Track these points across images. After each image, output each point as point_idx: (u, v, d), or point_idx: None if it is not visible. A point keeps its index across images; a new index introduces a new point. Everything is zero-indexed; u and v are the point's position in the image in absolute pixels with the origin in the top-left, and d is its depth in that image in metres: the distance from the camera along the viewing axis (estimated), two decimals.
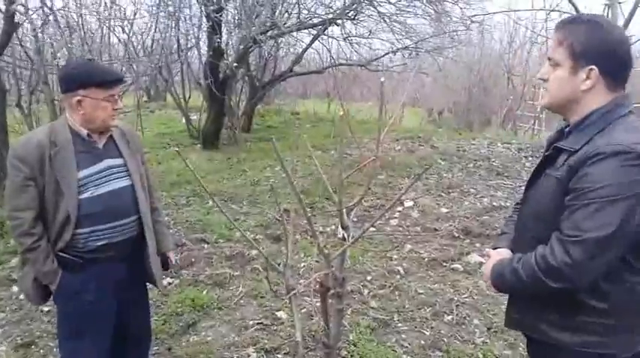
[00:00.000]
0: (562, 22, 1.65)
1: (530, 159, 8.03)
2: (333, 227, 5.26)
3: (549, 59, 1.63)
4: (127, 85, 12.00)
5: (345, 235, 2.32)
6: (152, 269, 2.47)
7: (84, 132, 2.23)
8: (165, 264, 2.70)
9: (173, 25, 9.95)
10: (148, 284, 2.61)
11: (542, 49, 13.76)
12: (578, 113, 1.60)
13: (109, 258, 2.30)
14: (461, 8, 9.04)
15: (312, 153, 2.62)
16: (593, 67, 1.54)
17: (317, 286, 2.38)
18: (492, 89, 16.56)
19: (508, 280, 1.64)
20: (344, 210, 2.26)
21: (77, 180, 2.17)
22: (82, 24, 9.67)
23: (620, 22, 7.23)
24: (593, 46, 1.54)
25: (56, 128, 2.23)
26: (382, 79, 2.44)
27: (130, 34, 9.61)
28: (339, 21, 8.68)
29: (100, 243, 2.25)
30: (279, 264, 4.55)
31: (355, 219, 2.29)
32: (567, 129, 1.65)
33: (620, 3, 7.43)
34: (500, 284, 1.71)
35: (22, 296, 3.76)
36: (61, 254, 2.22)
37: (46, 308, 3.70)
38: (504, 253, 1.79)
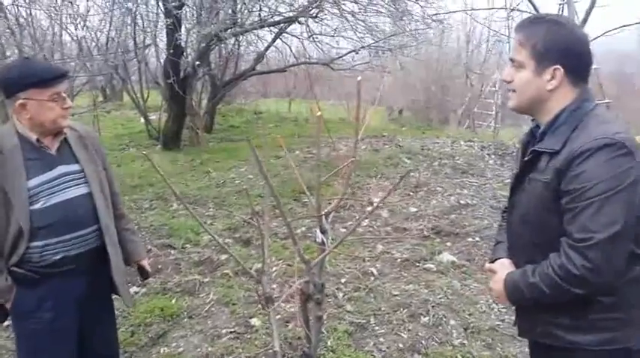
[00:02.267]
0: (522, 22, 1.65)
1: (492, 156, 8.15)
2: (304, 229, 5.17)
3: (512, 61, 1.63)
4: (82, 84, 11.65)
5: (324, 239, 2.24)
6: (117, 282, 2.30)
7: (33, 137, 2.05)
8: (144, 273, 2.55)
9: (129, 22, 9.67)
10: (113, 295, 2.43)
11: (502, 47, 14.07)
12: (547, 112, 1.61)
13: (68, 272, 2.12)
14: (421, 7, 9.12)
15: (286, 153, 2.51)
16: (558, 66, 1.54)
17: (297, 294, 2.30)
18: (450, 87, 16.82)
19: (527, 295, 1.61)
20: (322, 214, 2.19)
21: (27, 190, 2.00)
22: (32, 21, 9.28)
23: (576, 21, 7.41)
24: (556, 46, 1.55)
25: (2, 135, 2.06)
26: (359, 78, 2.37)
27: (84, 32, 9.27)
28: (301, 19, 8.60)
29: (56, 257, 2.08)
30: (250, 269, 4.45)
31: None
32: (540, 130, 1.65)
33: (575, 2, 7.62)
34: (518, 300, 1.68)
35: None
36: (14, 269, 2.05)
37: (5, 323, 3.47)
38: (507, 264, 1.76)
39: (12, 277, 2.06)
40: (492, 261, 1.86)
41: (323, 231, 2.27)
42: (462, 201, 6.12)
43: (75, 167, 2.16)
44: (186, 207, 1.94)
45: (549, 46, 1.54)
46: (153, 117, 9.97)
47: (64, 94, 2.06)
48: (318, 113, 2.06)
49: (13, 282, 2.06)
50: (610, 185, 1.42)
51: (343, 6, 8.25)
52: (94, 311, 2.28)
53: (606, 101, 9.82)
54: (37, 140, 2.07)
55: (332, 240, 2.31)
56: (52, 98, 2.01)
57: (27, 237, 2.00)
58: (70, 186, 2.12)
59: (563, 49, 1.54)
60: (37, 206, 2.02)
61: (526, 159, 1.64)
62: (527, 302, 1.66)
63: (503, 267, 1.74)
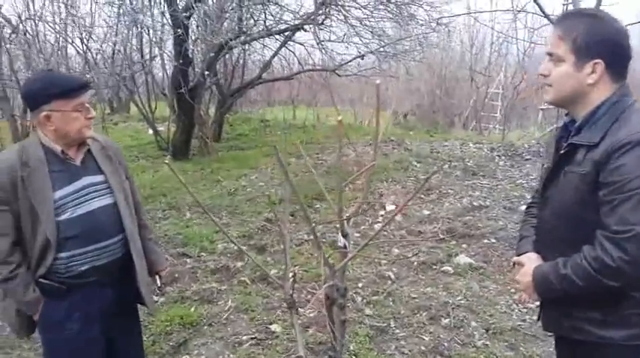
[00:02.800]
0: (562, 16, 1.67)
1: (502, 158, 8.12)
2: (318, 234, 5.15)
3: (550, 55, 1.62)
4: (89, 96, 11.72)
5: (346, 243, 2.24)
6: (142, 291, 2.29)
7: (58, 149, 2.06)
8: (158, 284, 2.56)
9: (134, 34, 9.72)
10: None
11: (508, 49, 14.07)
12: (585, 107, 1.60)
13: (95, 282, 2.13)
14: (426, 11, 9.12)
15: (305, 158, 2.51)
16: (599, 60, 1.54)
17: (322, 298, 2.29)
18: (455, 90, 16.79)
19: (557, 286, 1.59)
20: (345, 218, 2.18)
21: (53, 202, 2.00)
22: (38, 35, 9.36)
23: None
24: (597, 40, 1.54)
25: (27, 147, 2.06)
26: (377, 81, 2.36)
27: (89, 45, 9.33)
28: (306, 26, 8.63)
29: (83, 268, 2.08)
30: (266, 276, 4.45)
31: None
32: (576, 124, 1.64)
33: (580, 1, 7.62)
34: (547, 292, 1.67)
35: (6, 327, 3.51)
36: (42, 280, 2.05)
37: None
38: (534, 258, 1.75)
39: (39, 289, 2.06)
40: (518, 255, 1.85)
41: (344, 235, 2.26)
42: (474, 203, 6.10)
43: (99, 178, 2.16)
44: (207, 213, 1.93)
45: (590, 40, 1.53)
46: (161, 128, 10.00)
47: (87, 104, 2.08)
48: (339, 117, 2.05)
49: (41, 294, 2.07)
50: None
51: (349, 13, 8.28)
52: (120, 321, 2.29)
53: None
54: (62, 152, 2.07)
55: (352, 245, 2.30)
56: (76, 109, 2.02)
57: (54, 249, 2.01)
58: (96, 197, 2.13)
59: (605, 43, 1.54)
60: (63, 217, 2.02)
61: (562, 152, 1.63)
62: (556, 295, 1.64)
63: (531, 260, 1.74)
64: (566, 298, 1.61)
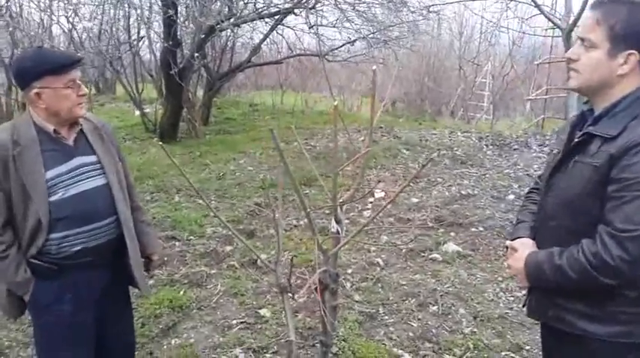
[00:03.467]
0: (600, 0, 1.56)
1: (490, 147, 8.17)
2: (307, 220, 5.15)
3: (582, 39, 1.56)
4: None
5: (339, 229, 2.24)
6: (135, 273, 2.27)
7: (50, 128, 2.02)
8: (147, 266, 2.52)
9: (121, 14, 9.56)
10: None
11: (497, 37, 14.10)
12: (608, 97, 1.55)
13: (87, 264, 2.09)
14: None
15: (299, 143, 2.49)
16: (634, 51, 1.49)
17: (315, 284, 2.29)
18: (443, 79, 16.81)
19: (549, 277, 1.58)
20: (339, 204, 2.18)
21: (45, 182, 1.97)
22: (22, 13, 9.17)
23: (574, 13, 7.43)
24: (636, 30, 1.48)
25: (19, 126, 2.01)
26: (374, 67, 2.35)
27: (75, 24, 9.15)
28: (297, 10, 8.54)
29: (75, 249, 2.04)
30: (255, 260, 4.44)
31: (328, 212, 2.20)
32: (595, 114, 1.59)
33: None
34: (538, 281, 1.65)
35: None
36: (33, 261, 2.02)
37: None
38: (529, 244, 1.73)
39: (30, 269, 2.03)
40: (513, 240, 1.82)
41: (338, 221, 2.26)
42: (462, 192, 6.15)
43: (92, 158, 2.12)
44: (201, 196, 1.92)
45: (629, 29, 1.48)
46: (148, 109, 9.88)
47: (79, 81, 2.02)
48: (335, 102, 2.03)
49: (32, 275, 2.04)
50: None
51: None
52: (112, 303, 2.26)
53: None
54: (55, 131, 2.03)
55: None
56: (67, 85, 1.97)
57: (46, 229, 1.97)
58: (88, 178, 2.09)
59: None
60: (55, 197, 1.99)
61: (577, 140, 1.59)
62: (547, 285, 1.62)
63: (525, 246, 1.72)
64: (556, 288, 1.60)
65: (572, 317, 1.59)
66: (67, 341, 2.12)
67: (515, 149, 8.00)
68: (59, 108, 1.99)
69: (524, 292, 1.86)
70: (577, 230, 1.56)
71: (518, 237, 1.80)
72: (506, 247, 1.85)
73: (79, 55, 2.23)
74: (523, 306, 1.85)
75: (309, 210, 2.13)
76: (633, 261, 1.41)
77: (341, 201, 2.25)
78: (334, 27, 8.65)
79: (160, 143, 1.74)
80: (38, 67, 1.94)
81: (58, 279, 2.06)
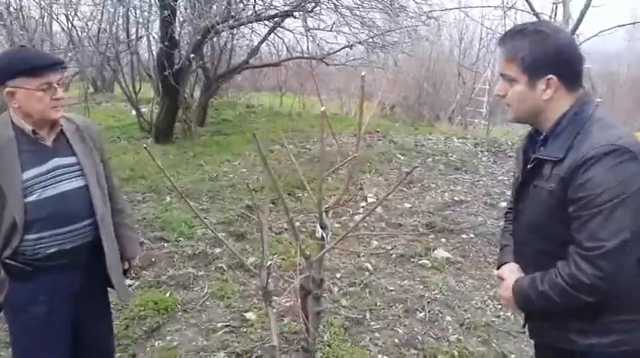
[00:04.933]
0: (504, 37, 1.63)
1: (485, 153, 8.17)
2: (298, 224, 5.14)
3: (502, 75, 1.61)
4: (72, 75, 11.50)
5: (324, 235, 2.22)
6: (112, 277, 2.25)
7: (28, 128, 2.00)
8: (127, 271, 2.49)
9: (121, 13, 9.55)
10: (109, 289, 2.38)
11: (497, 45, 14.08)
12: (547, 121, 1.59)
13: (62, 266, 2.08)
14: (417, 3, 9.08)
15: (286, 147, 2.47)
16: (551, 75, 1.52)
17: (297, 289, 2.27)
18: (442, 84, 16.82)
19: (537, 303, 1.59)
20: (324, 210, 2.16)
21: (21, 182, 1.95)
22: (22, 10, 9.14)
23: (574, 19, 7.42)
24: (545, 56, 1.53)
25: None
26: (363, 73, 2.33)
27: (74, 22, 9.14)
28: (296, 13, 8.54)
29: (50, 251, 2.03)
30: (243, 263, 4.42)
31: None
32: (541, 136, 1.63)
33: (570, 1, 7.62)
34: (529, 307, 1.68)
35: None
36: (8, 261, 2.00)
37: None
38: (514, 269, 1.75)
39: (5, 270, 2.01)
40: (499, 266, 1.84)
41: (323, 227, 2.24)
42: (455, 198, 6.14)
43: (71, 159, 2.11)
44: (185, 200, 1.90)
45: (538, 57, 1.52)
46: (144, 109, 9.86)
47: (55, 85, 1.98)
48: (323, 108, 2.02)
49: (7, 276, 2.02)
50: (617, 192, 1.41)
51: (339, 1, 8.21)
52: (89, 306, 2.24)
53: (598, 100, 9.85)
54: (33, 131, 2.01)
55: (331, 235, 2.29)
56: (40, 88, 1.93)
57: (21, 230, 1.96)
58: (66, 179, 2.07)
59: (553, 58, 1.52)
60: (31, 198, 1.97)
61: (529, 166, 1.62)
62: (537, 309, 1.65)
63: (511, 273, 1.73)
64: (545, 311, 1.62)
65: (572, 335, 1.60)
66: (41, 342, 2.10)
67: (510, 156, 7.99)
68: (31, 109, 1.97)
69: None
70: (552, 252, 1.57)
71: (505, 262, 1.82)
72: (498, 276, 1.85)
73: (69, 56, 2.20)
74: (523, 327, 1.85)
75: (292, 215, 2.11)
76: (608, 276, 1.42)
77: (327, 206, 2.24)
78: (330, 31, 8.63)
79: (145, 146, 1.73)
80: (12, 67, 1.93)
81: (32, 280, 2.05)
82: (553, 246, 1.57)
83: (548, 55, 1.52)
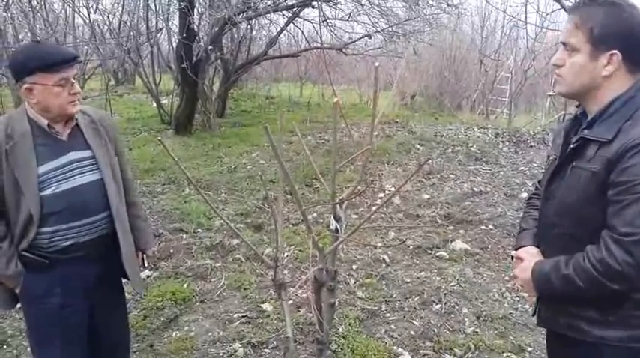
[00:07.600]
0: (577, 4, 1.56)
1: (506, 144, 8.04)
2: (315, 215, 5.15)
3: (564, 44, 1.54)
4: (94, 67, 11.64)
5: (338, 227, 2.22)
6: (127, 269, 2.28)
7: (44, 122, 2.02)
8: (142, 262, 2.53)
9: (141, 5, 9.61)
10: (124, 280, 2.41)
11: (518, 33, 13.87)
12: (598, 100, 1.53)
13: (78, 258, 2.11)
14: None
15: (300, 138, 2.46)
16: (615, 51, 1.46)
17: (310, 281, 2.27)
18: (464, 73, 16.58)
19: (557, 286, 1.54)
20: (337, 202, 2.16)
21: (37, 176, 1.98)
22: (45, 4, 9.26)
23: None
24: (615, 30, 1.46)
25: (14, 119, 2.02)
26: (377, 64, 2.31)
27: (97, 15, 9.24)
28: (314, 3, 8.49)
29: (66, 243, 2.06)
30: (262, 254, 4.45)
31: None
32: (589, 118, 1.56)
33: None
34: (546, 291, 1.61)
35: None
36: (24, 253, 2.04)
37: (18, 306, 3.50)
38: (534, 253, 1.70)
39: (22, 262, 2.05)
40: (517, 249, 1.80)
41: (337, 219, 2.24)
42: (475, 189, 6.07)
43: (86, 153, 2.13)
44: (199, 192, 1.91)
45: (608, 29, 1.46)
46: (165, 101, 9.95)
47: (72, 80, 2.01)
48: (335, 99, 2.01)
49: (23, 267, 2.06)
50: None
51: None
52: (104, 298, 2.28)
53: None
54: (49, 125, 2.04)
55: (346, 227, 2.28)
56: (58, 83, 1.96)
57: (37, 223, 1.99)
58: (81, 173, 2.10)
59: (623, 34, 1.46)
60: (47, 192, 2.00)
61: (572, 146, 1.57)
62: (556, 294, 1.59)
63: (531, 255, 1.69)
64: (566, 296, 1.57)
65: (584, 324, 1.56)
66: (56, 334, 2.14)
67: (531, 146, 7.87)
68: (50, 104, 1.99)
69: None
70: (581, 236, 1.53)
71: (523, 246, 1.78)
72: (512, 256, 1.82)
73: (74, 52, 2.22)
74: (533, 315, 1.81)
75: (304, 208, 2.11)
76: (638, 264, 1.38)
77: (340, 198, 2.23)
78: (347, 20, 8.56)
79: (159, 138, 1.74)
80: (30, 63, 1.94)
81: (48, 272, 2.08)
82: (582, 231, 1.52)
83: (619, 28, 1.46)
